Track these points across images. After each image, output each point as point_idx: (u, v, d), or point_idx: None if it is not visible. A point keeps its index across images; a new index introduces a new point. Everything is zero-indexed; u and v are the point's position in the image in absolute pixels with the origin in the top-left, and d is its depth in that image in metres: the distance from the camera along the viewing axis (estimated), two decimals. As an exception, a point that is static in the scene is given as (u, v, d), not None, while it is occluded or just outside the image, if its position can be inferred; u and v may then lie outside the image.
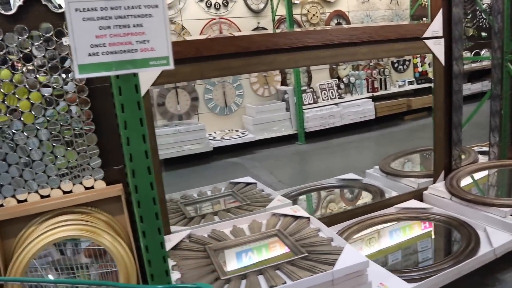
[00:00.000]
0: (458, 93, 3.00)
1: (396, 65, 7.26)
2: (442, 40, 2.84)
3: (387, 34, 2.65)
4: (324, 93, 6.10)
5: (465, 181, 2.96)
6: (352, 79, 6.39)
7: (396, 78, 7.25)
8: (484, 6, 6.59)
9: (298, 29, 5.60)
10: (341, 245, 1.97)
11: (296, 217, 2.32)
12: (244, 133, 5.70)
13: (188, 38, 5.21)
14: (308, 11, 6.37)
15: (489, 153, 3.31)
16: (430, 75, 6.76)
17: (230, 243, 2.11)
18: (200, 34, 5.78)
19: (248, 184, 3.08)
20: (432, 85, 2.98)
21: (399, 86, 7.00)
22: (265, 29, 6.11)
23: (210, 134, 5.72)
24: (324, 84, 6.17)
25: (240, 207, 2.64)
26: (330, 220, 2.55)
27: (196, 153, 5.35)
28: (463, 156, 3.43)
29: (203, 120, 5.80)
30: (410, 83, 7.04)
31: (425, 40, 2.78)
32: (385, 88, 6.75)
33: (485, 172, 3.16)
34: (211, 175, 4.84)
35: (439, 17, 2.82)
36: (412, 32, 2.75)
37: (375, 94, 6.51)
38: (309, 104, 5.89)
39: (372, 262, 2.01)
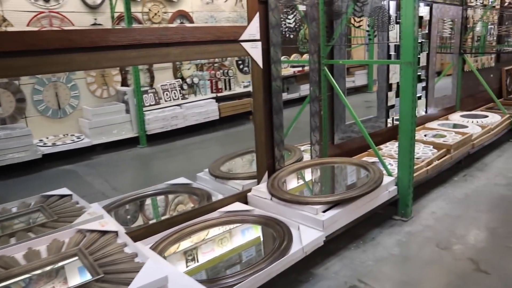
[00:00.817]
0: (278, 95, 3.09)
1: (241, 66, 7.42)
2: (259, 43, 2.88)
3: (202, 35, 2.59)
4: (167, 94, 5.94)
5: (289, 180, 3.07)
6: (196, 80, 6.34)
7: (242, 79, 7.40)
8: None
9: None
10: (145, 260, 1.83)
11: (104, 232, 2.12)
12: (79, 138, 5.25)
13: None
14: (150, 9, 6.14)
15: (311, 152, 3.49)
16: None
17: (16, 271, 1.82)
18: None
19: (62, 196, 2.76)
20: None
21: (244, 87, 7.16)
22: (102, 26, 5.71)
23: (40, 140, 5.15)
24: (166, 84, 6.01)
25: (45, 225, 2.33)
26: (146, 231, 2.40)
27: (23, 162, 4.76)
28: (290, 154, 3.57)
29: (33, 124, 5.20)
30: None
31: (242, 43, 2.79)
32: (230, 89, 6.84)
33: (308, 170, 3.31)
34: (38, 186, 4.35)
35: (255, 21, 2.85)
36: (229, 34, 2.73)
37: (219, 94, 6.56)
38: (150, 105, 5.67)
39: (182, 273, 1.91)
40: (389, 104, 4.27)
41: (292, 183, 3.09)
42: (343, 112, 3.72)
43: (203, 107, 6.09)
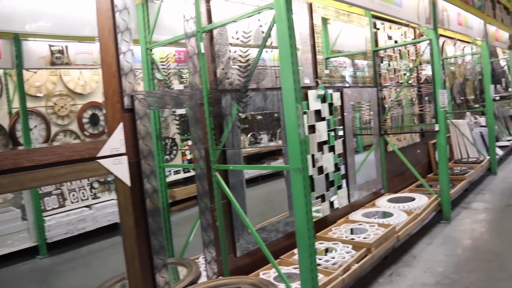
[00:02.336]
0: (155, 213, 2.64)
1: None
2: (125, 157, 2.46)
3: (43, 158, 2.15)
4: (74, 195, 5.36)
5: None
6: (110, 176, 5.81)
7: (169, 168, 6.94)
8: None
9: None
10: None
11: None
12: (-36, 254, 4.52)
13: None
14: (55, 103, 5.70)
15: (207, 271, 3.00)
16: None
17: None
18: None
19: None
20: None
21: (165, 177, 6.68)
22: (-1, 123, 5.19)
23: None
24: (73, 184, 5.45)
25: None
26: None
27: None
28: (185, 272, 3.06)
29: None
30: (176, 172, 6.81)
31: (100, 160, 2.36)
32: (152, 180, 6.33)
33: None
34: None
35: (118, 133, 2.45)
36: (82, 152, 2.30)
37: (139, 188, 6.03)
38: (53, 209, 5.06)
39: None
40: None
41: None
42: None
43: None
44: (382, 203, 4.83)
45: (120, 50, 2.56)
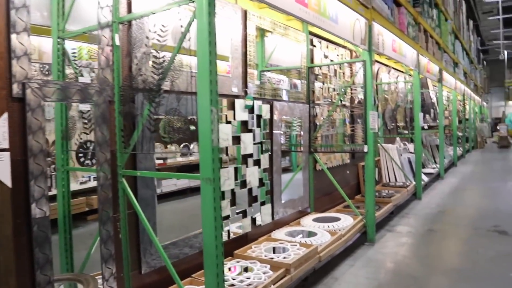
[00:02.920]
0: (43, 223, 2.28)
1: (81, 158, 6.49)
2: (7, 154, 2.11)
3: None
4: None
5: None
6: None
7: (83, 174, 6.44)
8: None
9: None
10: None
11: None
12: None
13: None
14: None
15: (104, 290, 2.66)
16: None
17: None
18: None
19: None
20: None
21: (81, 183, 6.18)
22: None
23: None
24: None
25: None
26: None
27: None
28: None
29: None
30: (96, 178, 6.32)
31: (-25, 155, 2.00)
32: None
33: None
34: None
35: (1, 124, 2.10)
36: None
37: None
38: None
39: None
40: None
41: None
42: (155, 231, 3.00)
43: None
44: (307, 222, 4.69)
45: (13, 29, 2.22)
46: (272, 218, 4.38)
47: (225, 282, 2.60)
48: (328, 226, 4.52)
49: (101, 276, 2.71)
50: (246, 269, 3.40)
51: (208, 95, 2.21)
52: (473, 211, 6.52)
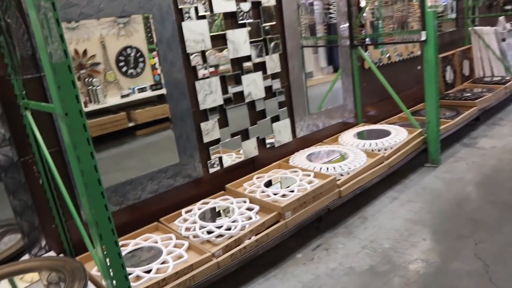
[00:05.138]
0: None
1: (123, 68, 5.93)
2: None
3: None
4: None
5: None
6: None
7: (129, 84, 5.91)
8: None
9: None
10: None
11: None
12: None
13: None
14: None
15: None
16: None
17: None
18: None
19: None
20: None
21: (123, 96, 5.67)
22: None
23: None
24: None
25: None
26: None
27: None
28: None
29: None
30: (141, 90, 5.75)
31: None
32: (98, 102, 5.36)
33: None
34: None
35: None
36: None
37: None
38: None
39: None
40: (206, 139, 2.82)
41: None
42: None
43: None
44: (347, 138, 3.65)
45: None
46: (294, 135, 3.42)
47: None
48: (370, 144, 3.44)
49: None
50: (227, 211, 2.60)
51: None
52: None
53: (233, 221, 2.42)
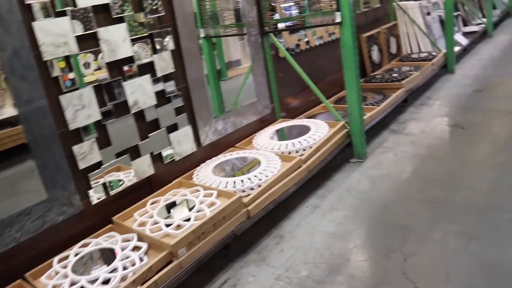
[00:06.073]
0: None
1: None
2: None
3: None
4: None
5: None
6: None
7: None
8: None
9: None
10: None
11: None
12: None
13: None
14: None
15: None
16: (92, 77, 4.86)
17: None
18: None
19: None
20: None
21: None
22: None
23: None
24: None
25: None
26: None
27: None
28: None
29: None
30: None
31: None
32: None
33: None
34: None
35: None
36: None
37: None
38: None
39: None
40: (83, 165, 2.30)
41: None
42: None
43: None
44: (262, 140, 3.25)
45: None
46: (199, 144, 2.97)
47: None
48: (287, 145, 3.05)
49: None
50: (108, 255, 2.12)
51: None
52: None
53: (112, 271, 1.95)
